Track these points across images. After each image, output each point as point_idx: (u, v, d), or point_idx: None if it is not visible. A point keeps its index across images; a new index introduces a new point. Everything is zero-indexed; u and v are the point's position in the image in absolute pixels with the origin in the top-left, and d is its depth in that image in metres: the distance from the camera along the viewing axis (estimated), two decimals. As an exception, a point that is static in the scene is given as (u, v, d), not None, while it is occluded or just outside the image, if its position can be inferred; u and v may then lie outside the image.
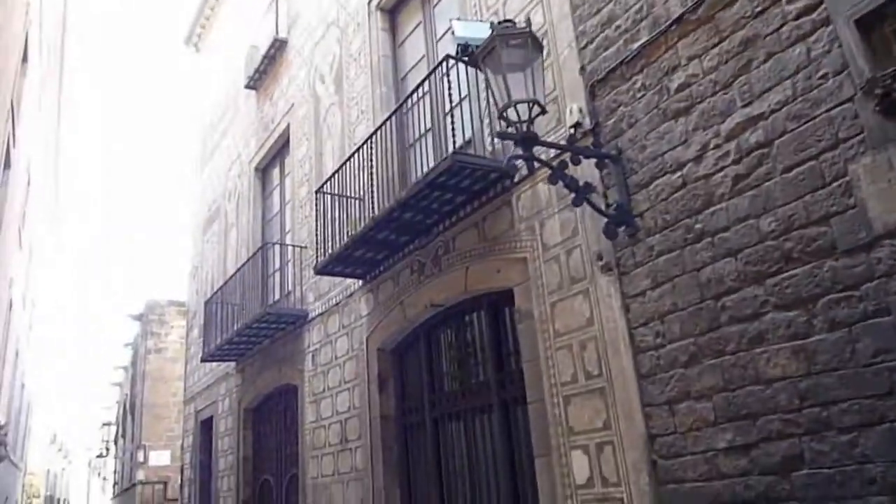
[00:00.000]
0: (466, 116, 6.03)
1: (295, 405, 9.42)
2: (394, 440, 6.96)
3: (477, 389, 6.00)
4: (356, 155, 7.34)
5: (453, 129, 5.56)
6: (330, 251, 7.31)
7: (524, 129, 4.14)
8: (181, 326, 19.89)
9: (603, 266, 4.58)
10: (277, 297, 10.18)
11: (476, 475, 5.91)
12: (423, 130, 7.12)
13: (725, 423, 3.70)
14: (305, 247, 9.29)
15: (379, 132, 7.02)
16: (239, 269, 10.21)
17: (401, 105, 6.85)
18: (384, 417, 7.01)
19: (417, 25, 7.80)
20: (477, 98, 6.12)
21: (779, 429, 3.43)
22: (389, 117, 6.95)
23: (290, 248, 9.65)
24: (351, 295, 7.87)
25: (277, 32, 11.14)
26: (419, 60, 7.66)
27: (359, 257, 7.06)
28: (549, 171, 5.16)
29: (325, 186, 7.62)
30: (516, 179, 5.49)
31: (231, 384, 11.47)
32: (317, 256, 7.42)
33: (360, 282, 7.69)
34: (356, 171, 7.50)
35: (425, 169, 6.45)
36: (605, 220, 4.51)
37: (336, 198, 7.67)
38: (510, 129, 4.19)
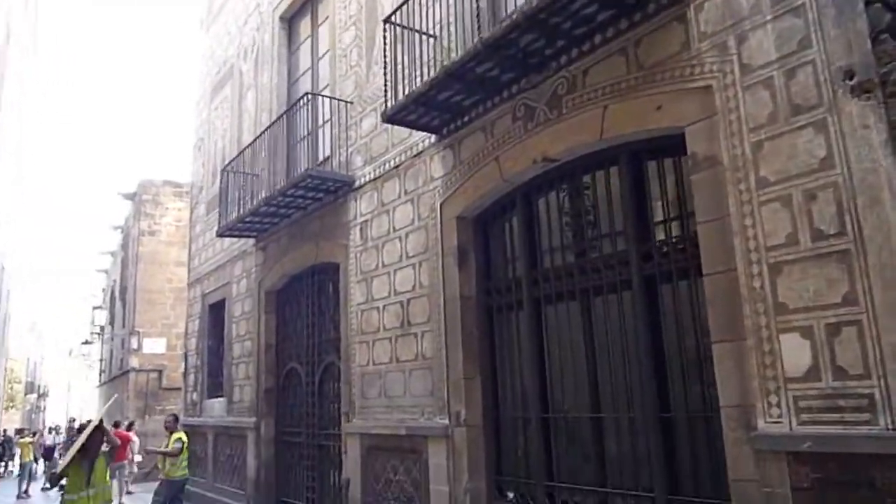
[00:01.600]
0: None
1: (331, 286, 8.28)
2: (475, 324, 5.83)
3: (604, 264, 4.82)
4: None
5: None
6: (400, 97, 5.94)
7: None
8: (177, 209, 18.46)
9: (856, 86, 3.31)
10: (307, 165, 8.80)
11: (599, 367, 4.83)
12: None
13: None
14: (351, 101, 7.87)
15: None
16: (267, 129, 8.77)
17: None
18: (464, 297, 5.86)
19: None
20: None
21: None
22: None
23: (328, 104, 8.17)
24: (419, 154, 6.55)
25: None
26: None
27: (443, 101, 5.69)
28: (752, -30, 3.84)
29: (394, 16, 6.14)
30: (698, -17, 4.11)
31: (249, 264, 10.25)
32: (386, 101, 6.03)
33: (433, 137, 6.35)
34: (426, 6, 6.08)
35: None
36: (868, 16, 3.23)
37: (407, 33, 6.22)
38: None
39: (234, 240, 10.67)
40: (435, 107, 5.77)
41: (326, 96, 7.97)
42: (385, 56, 6.13)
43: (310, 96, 7.78)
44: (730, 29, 3.92)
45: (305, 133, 8.82)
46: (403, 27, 6.14)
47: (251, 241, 10.20)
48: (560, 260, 5.26)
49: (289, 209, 8.71)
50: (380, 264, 6.97)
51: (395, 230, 6.80)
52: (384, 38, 6.13)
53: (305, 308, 8.92)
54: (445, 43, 6.16)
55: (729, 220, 3.80)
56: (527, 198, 5.59)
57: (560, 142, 4.99)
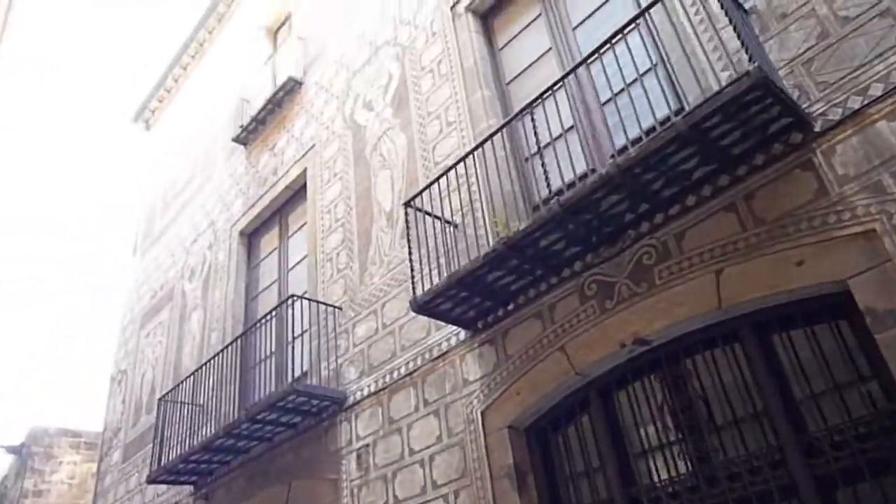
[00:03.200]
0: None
1: (307, 540, 6.43)
2: (549, 572, 4.34)
3: (746, 468, 3.71)
4: (452, 172, 5.39)
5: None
6: (429, 282, 5.06)
7: None
8: (73, 462, 15.50)
9: None
10: (273, 386, 7.36)
11: None
12: (555, 134, 5.34)
13: None
14: (340, 307, 6.85)
15: (494, 140, 5.19)
16: (229, 345, 7.43)
17: (539, 99, 4.91)
18: (530, 534, 4.43)
19: (535, 19, 6.25)
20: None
21: None
22: (514, 118, 5.08)
23: (306, 315, 7.06)
24: (442, 355, 5.46)
25: (292, 73, 9.34)
26: (540, 56, 6.02)
27: (489, 284, 4.83)
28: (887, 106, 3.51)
29: (415, 201, 5.48)
30: (819, 128, 3.71)
31: (183, 520, 8.11)
32: (413, 289, 5.08)
33: (462, 333, 5.36)
34: (440, 195, 5.53)
35: (567, 177, 4.60)
36: None
37: (421, 224, 5.53)
38: None
39: (162, 490, 8.60)
40: (479, 292, 4.87)
41: (313, 300, 6.90)
42: (409, 243, 5.31)
43: (294, 298, 6.66)
44: (880, 167, 3.43)
45: (271, 350, 7.54)
46: (426, 213, 5.44)
47: (187, 488, 8.21)
48: (668, 470, 4.08)
49: (250, 441, 7.08)
50: (390, 500, 5.43)
51: (412, 453, 5.41)
52: (406, 221, 5.37)
53: (265, 574, 6.84)
54: (471, 230, 5.51)
55: (955, 385, 2.93)
56: (605, 393, 4.53)
57: (657, 319, 4.13)
